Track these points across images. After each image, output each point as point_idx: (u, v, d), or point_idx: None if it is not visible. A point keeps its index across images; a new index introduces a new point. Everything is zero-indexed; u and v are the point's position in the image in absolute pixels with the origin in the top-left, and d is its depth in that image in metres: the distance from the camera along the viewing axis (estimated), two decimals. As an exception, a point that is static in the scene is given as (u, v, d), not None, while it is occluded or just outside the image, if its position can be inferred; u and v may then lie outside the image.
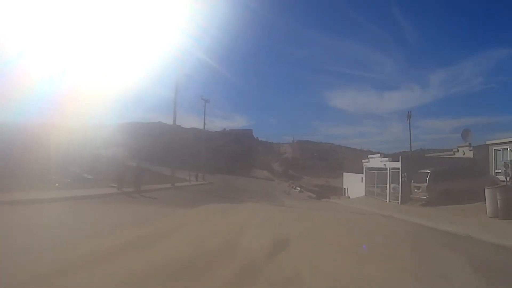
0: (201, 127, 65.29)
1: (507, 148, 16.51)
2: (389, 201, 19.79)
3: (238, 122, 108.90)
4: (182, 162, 28.51)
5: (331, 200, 26.85)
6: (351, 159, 70.20)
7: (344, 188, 31.53)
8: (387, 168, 20.17)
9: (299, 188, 42.19)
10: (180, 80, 24.35)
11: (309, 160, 70.23)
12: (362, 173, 25.08)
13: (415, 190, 16.49)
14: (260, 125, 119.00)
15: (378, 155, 22.28)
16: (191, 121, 77.84)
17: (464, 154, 22.55)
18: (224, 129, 76.27)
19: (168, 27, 25.48)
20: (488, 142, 18.68)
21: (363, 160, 25.15)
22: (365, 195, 24.47)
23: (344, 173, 32.68)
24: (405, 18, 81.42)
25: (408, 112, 30.23)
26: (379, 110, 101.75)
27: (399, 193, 18.44)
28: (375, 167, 22.26)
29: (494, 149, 17.86)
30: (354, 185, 28.19)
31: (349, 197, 29.09)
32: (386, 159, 20.44)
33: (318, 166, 67.11)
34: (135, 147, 40.13)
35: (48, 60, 21.79)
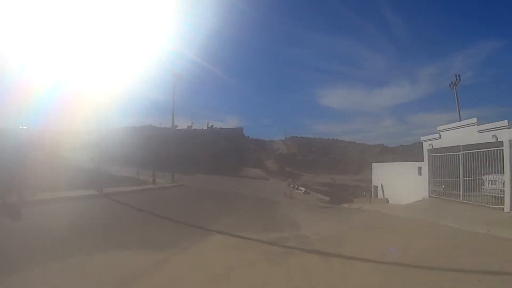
0: (190, 127, 55.99)
1: None
2: (511, 209, 9.69)
3: (229, 124, 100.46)
4: (161, 162, 24.23)
5: (363, 208, 16.49)
6: (355, 152, 61.15)
7: (376, 186, 21.28)
8: (501, 143, 10.05)
9: (303, 189, 31.95)
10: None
11: (308, 155, 60.23)
12: (422, 160, 14.96)
13: None
14: (251, 126, 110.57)
15: (472, 121, 11.82)
16: (181, 123, 67.61)
17: None
18: (212, 126, 65.65)
19: (157, 29, 23.38)
20: None
21: (424, 138, 14.85)
22: (430, 196, 14.34)
23: (374, 164, 22.34)
24: (394, 13, 78.86)
25: (456, 76, 20.92)
26: (370, 107, 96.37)
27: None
28: (458, 144, 12.17)
29: None
30: (396, 181, 18.03)
31: (387, 200, 18.94)
32: (500, 124, 10.09)
33: (319, 161, 57.40)
34: (113, 150, 32.01)
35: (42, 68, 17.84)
